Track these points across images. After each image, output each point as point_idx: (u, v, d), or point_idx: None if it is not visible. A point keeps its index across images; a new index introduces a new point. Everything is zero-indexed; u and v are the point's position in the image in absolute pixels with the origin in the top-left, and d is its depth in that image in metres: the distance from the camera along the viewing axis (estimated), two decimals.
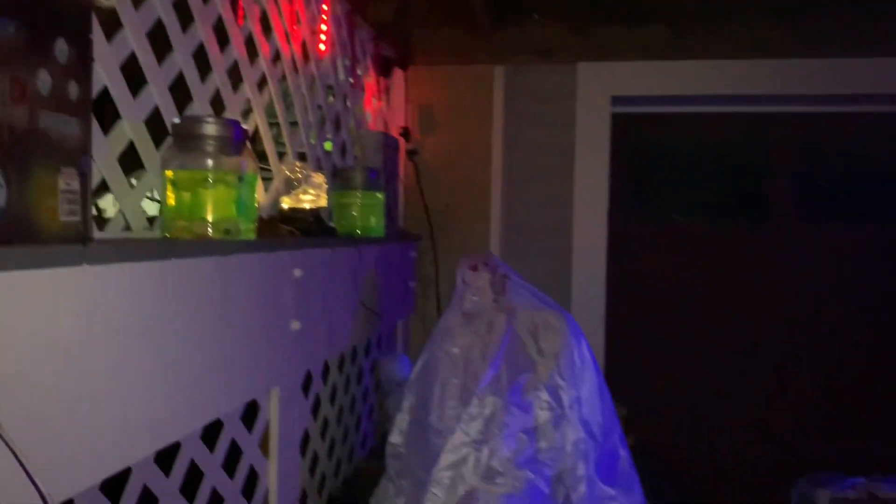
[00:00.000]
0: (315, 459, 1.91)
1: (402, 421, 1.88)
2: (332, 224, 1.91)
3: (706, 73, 2.68)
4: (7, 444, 0.70)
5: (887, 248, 2.76)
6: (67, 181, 0.84)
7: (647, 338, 2.89)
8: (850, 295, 2.77)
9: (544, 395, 1.75)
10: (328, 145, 2.20)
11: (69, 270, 0.84)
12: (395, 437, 1.87)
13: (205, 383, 1.20)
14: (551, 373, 1.75)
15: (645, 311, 2.91)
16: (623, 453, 1.85)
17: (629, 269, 2.86)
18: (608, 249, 2.78)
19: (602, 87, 2.76)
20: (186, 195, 1.12)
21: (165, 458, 1.22)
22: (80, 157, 0.85)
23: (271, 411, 1.56)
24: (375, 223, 2.01)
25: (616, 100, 2.78)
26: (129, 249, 0.96)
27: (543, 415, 1.74)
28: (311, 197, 1.60)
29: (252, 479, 1.53)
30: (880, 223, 2.78)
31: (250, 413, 1.52)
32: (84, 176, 0.87)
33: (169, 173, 1.13)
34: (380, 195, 2.02)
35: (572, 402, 1.75)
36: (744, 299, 2.87)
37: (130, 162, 1.21)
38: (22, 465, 0.70)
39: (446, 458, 1.73)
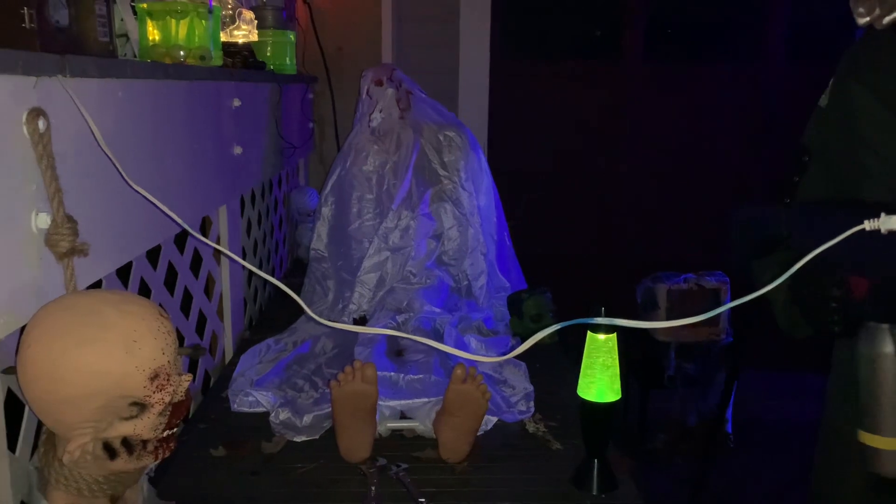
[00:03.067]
0: (249, 274, 2.17)
1: (321, 228, 2.14)
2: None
3: None
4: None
5: (733, 83, 3.25)
6: (100, 7, 1.01)
7: (523, 160, 3.27)
8: (702, 125, 3.27)
9: (449, 205, 2.08)
10: None
11: (105, 81, 1.03)
12: (317, 244, 2.14)
13: (186, 191, 1.42)
14: (455, 184, 2.07)
15: (520, 136, 3.27)
16: (509, 244, 2.25)
17: (508, 101, 3.19)
18: (489, 87, 3.09)
19: None
20: (161, 24, 1.29)
21: (151, 257, 1.45)
22: None
23: (221, 226, 1.80)
24: (289, 62, 2.18)
25: None
26: (140, 67, 1.15)
27: (448, 221, 2.07)
28: (244, 32, 1.76)
29: (210, 284, 1.78)
30: (728, 61, 3.27)
31: (203, 231, 1.75)
32: (108, 4, 1.04)
33: (143, 6, 1.29)
34: (291, 35, 2.19)
35: (473, 208, 2.09)
36: (606, 127, 3.30)
37: None
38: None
39: (369, 263, 2.05)
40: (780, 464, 2.62)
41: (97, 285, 1.07)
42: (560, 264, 2.92)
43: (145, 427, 0.83)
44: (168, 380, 0.83)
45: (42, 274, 0.85)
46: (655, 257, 3.03)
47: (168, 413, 0.86)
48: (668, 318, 2.54)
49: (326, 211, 2.15)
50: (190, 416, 1.55)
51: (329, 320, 2.00)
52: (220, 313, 1.83)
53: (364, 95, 2.19)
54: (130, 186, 1.01)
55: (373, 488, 1.25)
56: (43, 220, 0.84)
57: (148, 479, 1.20)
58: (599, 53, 3.40)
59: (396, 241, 2.07)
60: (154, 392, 0.82)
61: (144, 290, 1.41)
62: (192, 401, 0.92)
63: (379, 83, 2.15)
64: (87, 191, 0.97)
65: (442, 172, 2.11)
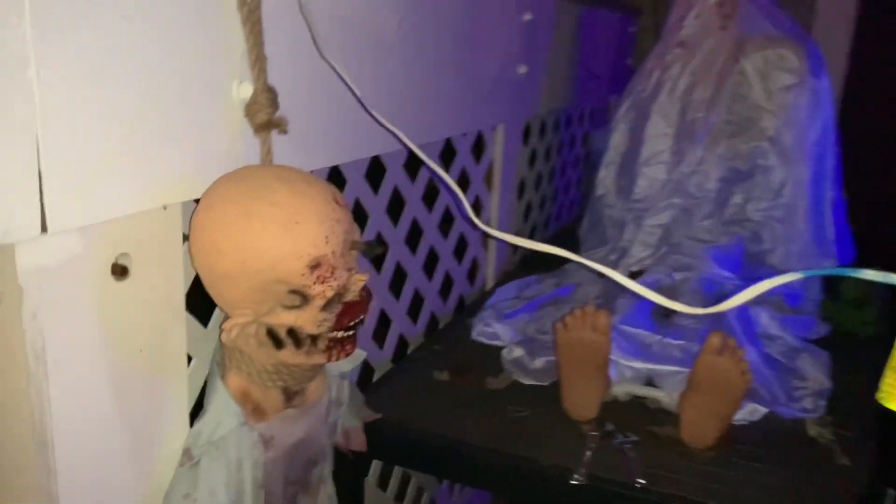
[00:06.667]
0: (529, 208, 2.06)
1: (608, 162, 1.89)
2: None
3: None
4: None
5: None
6: None
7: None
8: None
9: (767, 149, 1.69)
10: None
11: None
12: (601, 179, 1.90)
13: (450, 99, 1.34)
14: (779, 121, 1.67)
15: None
16: (841, 209, 1.77)
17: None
18: None
19: None
20: None
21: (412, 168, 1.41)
22: None
23: (496, 147, 1.70)
24: None
25: None
26: None
27: (763, 170, 1.71)
28: None
29: (476, 209, 1.71)
30: None
31: (477, 150, 1.67)
32: None
33: None
34: None
35: (799, 155, 1.67)
36: None
37: None
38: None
39: (656, 210, 1.79)
40: None
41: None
42: None
43: (307, 320, 0.76)
44: (332, 273, 0.75)
45: (238, 146, 0.81)
46: None
47: (336, 311, 0.78)
48: None
49: (616, 140, 1.91)
50: (430, 333, 1.51)
51: (631, 269, 1.83)
52: (484, 240, 1.75)
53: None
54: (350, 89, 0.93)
55: (588, 453, 1.07)
56: (245, 90, 0.80)
57: (355, 383, 1.17)
58: None
59: (692, 188, 1.78)
60: (314, 283, 0.74)
61: (399, 203, 1.37)
62: (369, 303, 0.83)
63: None
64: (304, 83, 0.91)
65: (765, 105, 1.70)
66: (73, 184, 0.63)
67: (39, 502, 0.67)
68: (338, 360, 0.83)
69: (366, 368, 1.32)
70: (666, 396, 1.20)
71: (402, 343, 1.44)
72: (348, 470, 1.15)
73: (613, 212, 1.91)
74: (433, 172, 0.88)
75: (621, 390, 1.23)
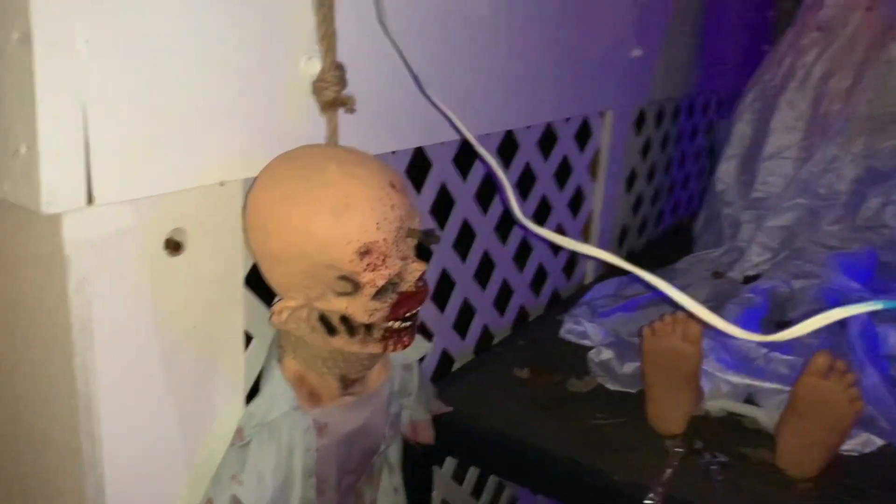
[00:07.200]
0: (639, 201, 1.95)
1: (730, 154, 1.76)
2: None
3: None
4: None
5: None
6: None
7: None
8: None
9: None
10: None
11: None
12: (722, 172, 1.77)
13: (549, 83, 1.27)
14: None
15: None
16: None
17: None
18: None
19: None
20: None
21: (506, 154, 1.35)
22: None
23: (603, 134, 1.61)
24: None
25: None
26: None
27: None
28: None
29: (577, 199, 1.63)
30: None
31: (581, 137, 1.58)
32: None
33: None
34: None
35: None
36: None
37: None
38: None
39: (778, 211, 1.65)
40: None
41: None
42: None
43: (358, 308, 0.73)
44: (384, 261, 0.71)
45: (303, 124, 0.79)
46: None
47: (390, 301, 0.74)
48: None
49: (739, 132, 1.76)
50: (520, 324, 1.45)
51: (716, 269, 1.71)
52: (585, 233, 1.66)
53: None
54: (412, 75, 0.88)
55: (668, 471, 0.98)
56: (313, 66, 0.78)
57: (430, 373, 1.13)
58: None
59: (821, 188, 1.62)
60: (364, 270, 0.70)
61: (490, 189, 1.32)
62: (425, 295, 0.78)
63: None
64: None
65: None
66: (123, 156, 0.62)
67: (84, 470, 0.67)
68: (394, 351, 0.79)
69: (445, 358, 1.29)
70: (765, 416, 1.09)
71: (487, 335, 1.40)
72: (418, 461, 1.12)
73: (732, 210, 1.77)
74: (486, 164, 0.81)
75: (715, 405, 1.13)
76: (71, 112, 0.58)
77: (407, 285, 0.75)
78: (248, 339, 0.85)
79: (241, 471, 0.77)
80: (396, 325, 0.77)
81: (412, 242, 0.75)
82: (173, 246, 0.71)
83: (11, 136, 0.58)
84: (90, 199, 0.61)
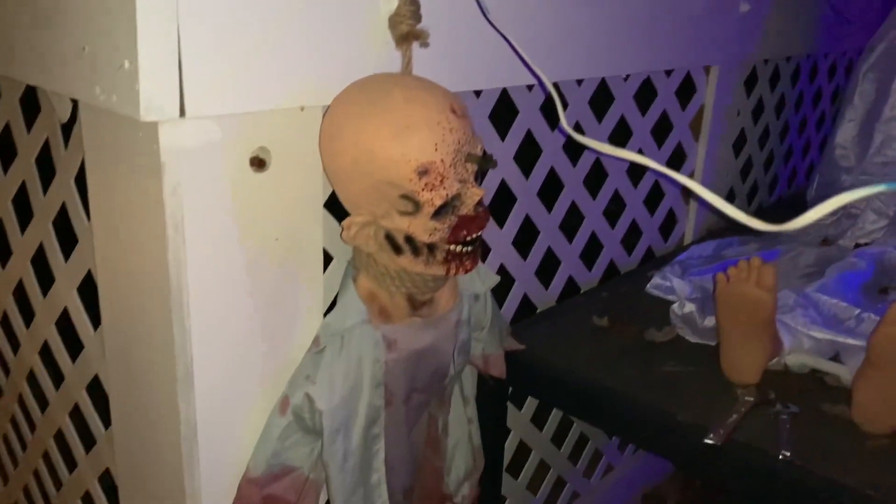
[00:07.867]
0: (749, 165, 1.88)
1: (850, 115, 1.68)
2: None
3: None
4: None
5: None
6: None
7: None
8: None
9: None
10: None
11: None
12: (841, 135, 1.69)
13: (645, 29, 1.27)
14: None
15: None
16: None
17: None
18: None
19: None
20: None
21: (598, 106, 1.35)
22: None
23: (708, 91, 1.57)
24: None
25: None
26: None
27: None
28: None
29: (677, 158, 1.60)
30: None
31: (684, 94, 1.55)
32: None
33: None
34: None
35: None
36: None
37: None
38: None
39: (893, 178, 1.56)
40: None
41: None
42: None
43: (418, 227, 0.78)
44: (441, 182, 0.76)
45: (379, 56, 0.84)
46: None
47: (449, 223, 0.79)
48: None
49: (861, 93, 1.67)
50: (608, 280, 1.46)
51: (825, 236, 1.63)
52: (684, 193, 1.64)
53: None
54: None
55: (734, 416, 0.98)
56: (392, 1, 0.83)
57: (500, 317, 1.17)
58: None
59: None
60: (423, 189, 0.75)
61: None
62: (485, 221, 0.83)
63: None
64: None
65: None
66: (213, 74, 0.70)
67: (175, 355, 0.77)
68: (457, 274, 0.84)
69: (527, 304, 1.32)
70: (849, 374, 1.05)
71: (572, 286, 1.42)
72: (492, 394, 1.17)
73: (851, 176, 1.68)
74: (542, 86, 0.82)
75: (797, 361, 1.10)
76: (166, 31, 0.66)
77: (466, 209, 0.80)
78: (328, 261, 0.92)
79: (315, 373, 0.85)
80: (458, 248, 0.82)
81: (472, 168, 0.79)
82: (258, 163, 0.78)
83: (118, 52, 0.67)
84: (182, 112, 0.69)
